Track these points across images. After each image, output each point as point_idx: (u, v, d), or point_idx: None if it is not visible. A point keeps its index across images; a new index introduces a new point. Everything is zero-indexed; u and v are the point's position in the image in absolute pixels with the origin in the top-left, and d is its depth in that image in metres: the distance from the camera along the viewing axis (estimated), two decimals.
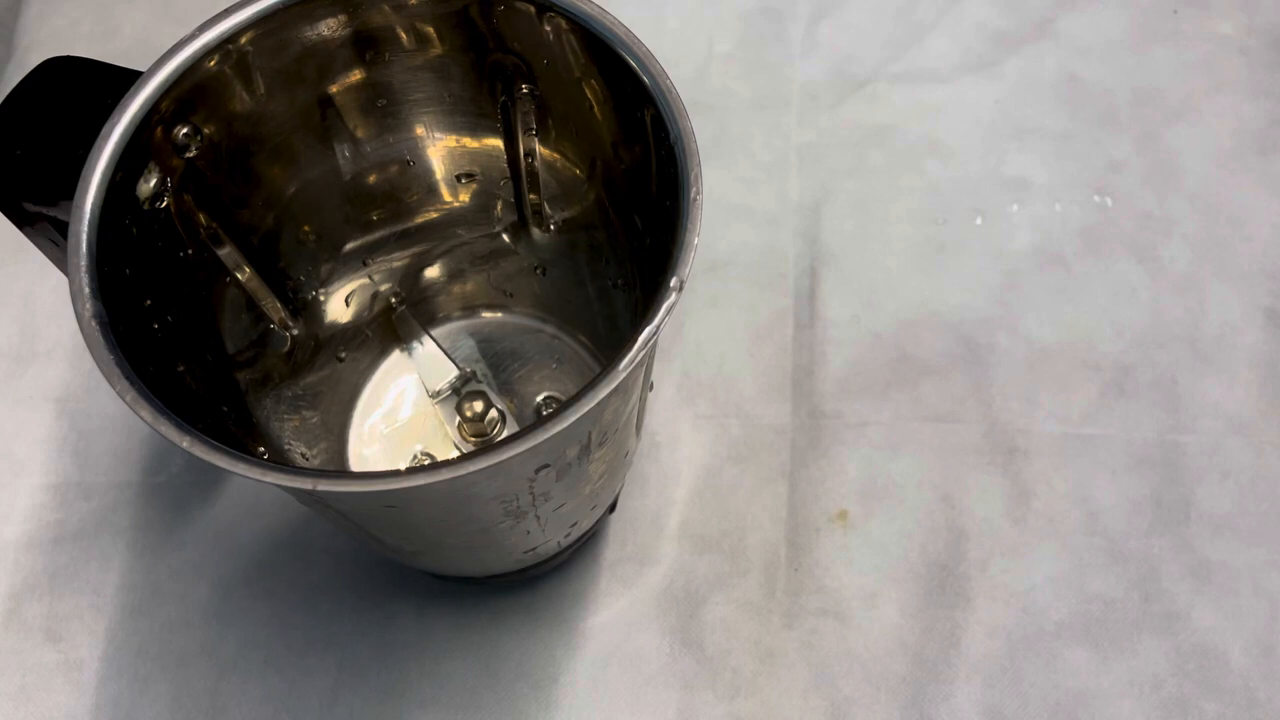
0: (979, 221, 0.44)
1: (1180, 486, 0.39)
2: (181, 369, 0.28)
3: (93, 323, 0.24)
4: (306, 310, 0.35)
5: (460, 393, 0.37)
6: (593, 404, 0.23)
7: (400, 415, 0.38)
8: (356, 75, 0.31)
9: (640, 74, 0.26)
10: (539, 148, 0.33)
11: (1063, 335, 0.41)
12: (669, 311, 0.24)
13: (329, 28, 0.29)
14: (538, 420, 0.22)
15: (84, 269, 0.24)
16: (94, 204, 0.25)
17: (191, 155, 0.28)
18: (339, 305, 0.36)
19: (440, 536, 0.30)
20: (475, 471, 0.22)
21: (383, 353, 0.39)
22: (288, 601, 0.37)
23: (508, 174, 0.34)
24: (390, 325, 0.38)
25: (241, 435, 0.31)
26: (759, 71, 0.47)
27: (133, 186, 0.26)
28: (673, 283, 0.24)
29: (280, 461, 0.31)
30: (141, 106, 0.26)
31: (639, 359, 0.23)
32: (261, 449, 0.32)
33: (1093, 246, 0.43)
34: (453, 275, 0.38)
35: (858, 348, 0.41)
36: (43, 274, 0.43)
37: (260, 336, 0.33)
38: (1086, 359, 0.41)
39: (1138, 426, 0.40)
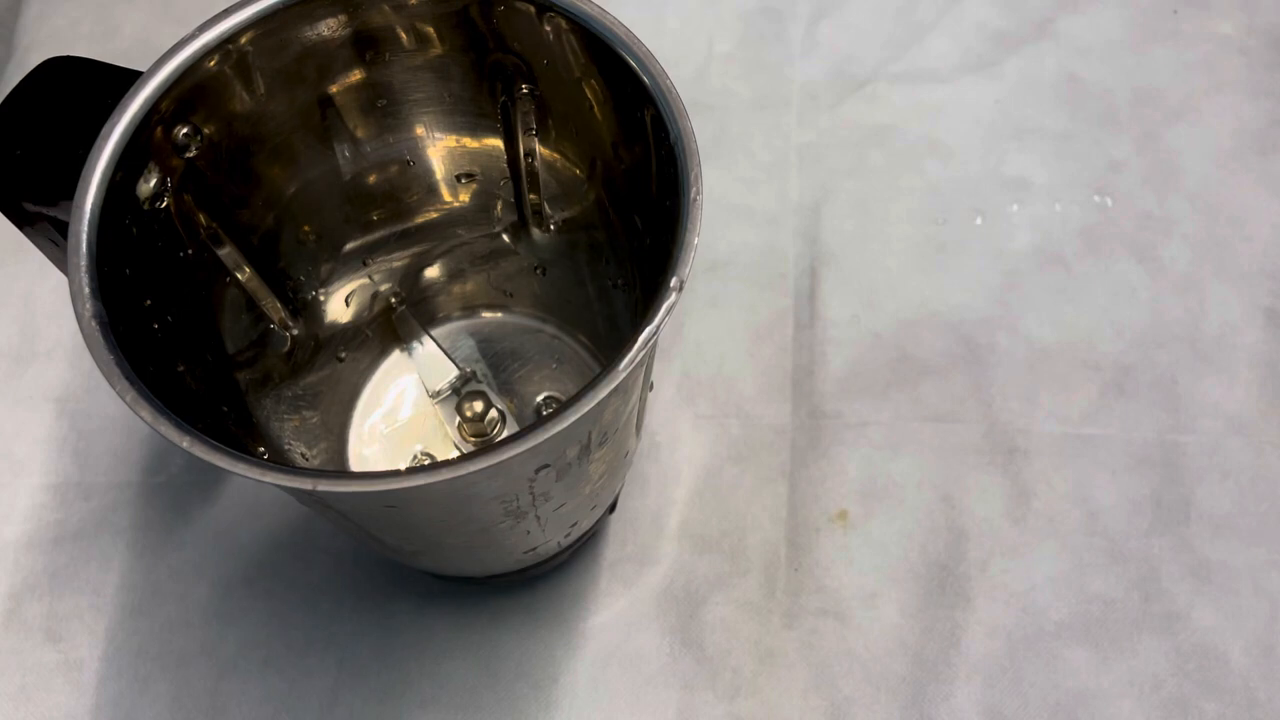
0: (979, 221, 0.44)
1: (1180, 486, 0.39)
2: (181, 369, 0.28)
3: (93, 323, 0.24)
4: (306, 310, 0.35)
5: (460, 393, 0.37)
6: (593, 404, 0.23)
7: (400, 415, 0.38)
8: (356, 75, 0.31)
9: (640, 74, 0.26)
10: (539, 148, 0.33)
11: (1063, 335, 0.41)
12: (669, 311, 0.24)
13: (329, 28, 0.29)
14: (538, 420, 0.22)
15: (84, 269, 0.24)
16: (94, 204, 0.25)
17: (191, 155, 0.28)
18: (339, 305, 0.36)
19: (440, 536, 0.30)
20: (475, 471, 0.22)
21: (383, 353, 0.39)
22: (288, 601, 0.37)
23: (508, 174, 0.34)
24: (390, 325, 0.38)
25: (241, 435, 0.31)
26: (759, 71, 0.47)
27: (133, 186, 0.26)
28: (673, 283, 0.24)
29: (280, 461, 0.31)
30: (141, 106, 0.26)
31: (639, 359, 0.23)
32: (261, 449, 0.32)
33: (1093, 246, 0.43)
34: (453, 275, 0.38)
35: (858, 348, 0.41)
36: (43, 274, 0.43)
37: (260, 336, 0.33)
38: (1086, 359, 0.41)
39: (1138, 426, 0.40)
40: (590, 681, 0.36)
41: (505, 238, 0.37)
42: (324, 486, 0.22)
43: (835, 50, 0.48)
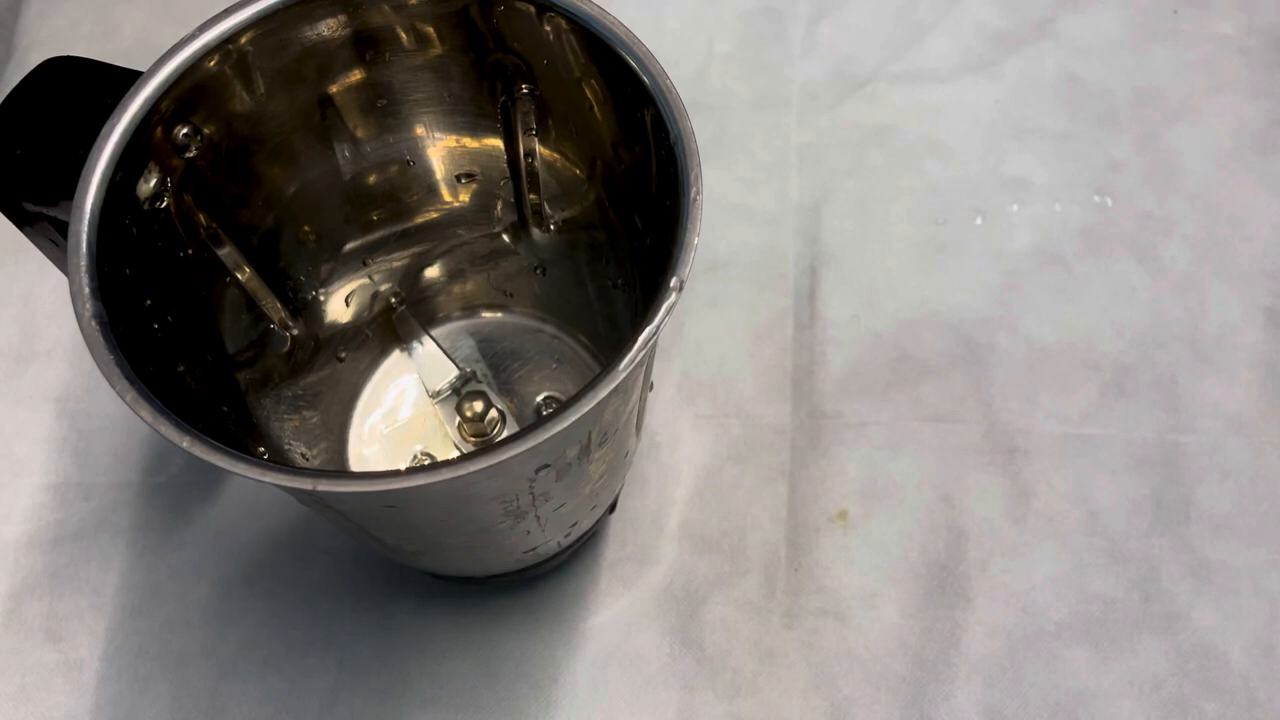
0: (979, 221, 0.44)
1: (1180, 486, 0.39)
2: (181, 369, 0.28)
3: (93, 323, 0.24)
4: (306, 310, 0.35)
5: (460, 393, 0.37)
6: (593, 404, 0.23)
7: (400, 415, 0.38)
8: (356, 75, 0.31)
9: (640, 74, 0.26)
10: (539, 148, 0.33)
11: (1063, 335, 0.41)
12: (669, 311, 0.24)
13: (329, 28, 0.29)
14: (538, 420, 0.22)
15: (84, 269, 0.24)
16: (94, 204, 0.25)
17: (191, 155, 0.28)
18: (339, 305, 0.36)
19: (440, 536, 0.30)
20: (475, 471, 0.22)
21: (383, 353, 0.39)
22: (288, 601, 0.37)
23: (508, 174, 0.34)
24: (390, 325, 0.38)
25: (241, 435, 0.31)
26: (759, 71, 0.47)
27: (133, 186, 0.26)
28: (673, 283, 0.24)
29: (280, 461, 0.31)
30: (141, 106, 0.26)
31: (639, 359, 0.23)
32: (261, 449, 0.32)
33: (1093, 246, 0.43)
34: (453, 275, 0.38)
35: (858, 348, 0.41)
36: (43, 274, 0.43)
37: (260, 336, 0.33)
38: (1086, 359, 0.41)
39: (1138, 426, 0.40)
40: (590, 681, 0.36)
41: (505, 238, 0.37)
42: (324, 486, 0.22)
43: (835, 50, 0.48)
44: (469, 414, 0.35)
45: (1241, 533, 0.38)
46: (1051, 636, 0.36)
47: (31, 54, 0.48)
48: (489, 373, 0.39)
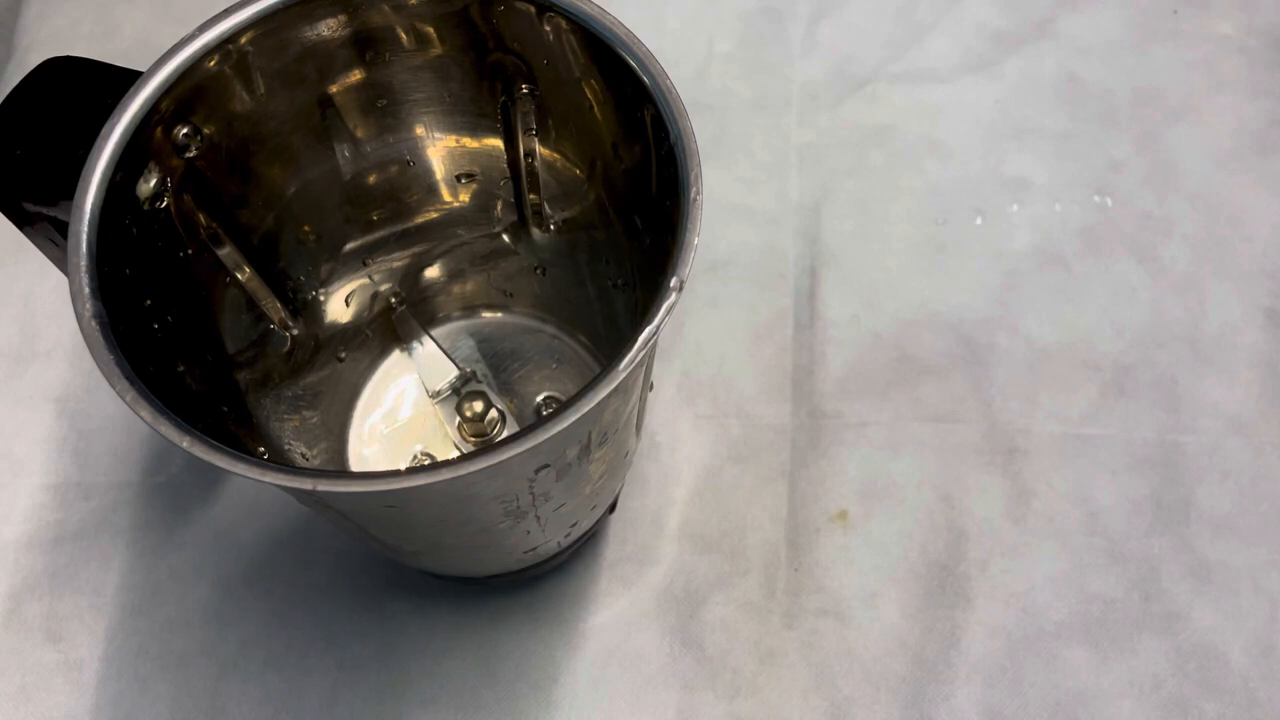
0: (979, 221, 0.44)
1: (1180, 486, 0.39)
2: (181, 369, 0.28)
3: (93, 323, 0.24)
4: (306, 310, 0.35)
5: (460, 393, 0.37)
6: (593, 404, 0.23)
7: (400, 415, 0.38)
8: (356, 75, 0.31)
9: (640, 74, 0.26)
10: (539, 148, 0.33)
11: (1063, 335, 0.41)
12: (669, 311, 0.24)
13: (329, 28, 0.29)
14: (538, 420, 0.22)
15: (84, 269, 0.24)
16: (94, 204, 0.25)
17: (191, 155, 0.28)
18: (339, 305, 0.36)
19: (440, 536, 0.30)
20: (475, 471, 0.22)
21: (383, 353, 0.39)
22: (288, 601, 0.37)
23: (508, 174, 0.34)
24: (390, 325, 0.38)
25: (241, 435, 0.31)
26: (759, 71, 0.47)
27: (133, 186, 0.26)
28: (673, 283, 0.24)
29: (280, 461, 0.31)
30: (141, 106, 0.26)
31: (639, 359, 0.23)
32: (261, 449, 0.32)
33: (1093, 246, 0.43)
34: (453, 275, 0.38)
35: (858, 348, 0.41)
36: (43, 274, 0.43)
37: (260, 336, 0.33)
38: (1086, 359, 0.41)
39: (1138, 426, 0.40)
40: (590, 681, 0.36)
41: (505, 238, 0.37)
42: (324, 486, 0.22)
43: (835, 50, 0.48)
44: (469, 414, 0.35)
45: (1241, 533, 0.38)
46: (1051, 636, 0.36)
47: (31, 54, 0.48)
48: (489, 373, 0.39)
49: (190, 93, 0.27)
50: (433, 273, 0.38)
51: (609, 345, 0.38)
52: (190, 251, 0.29)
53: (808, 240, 0.43)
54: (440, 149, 0.34)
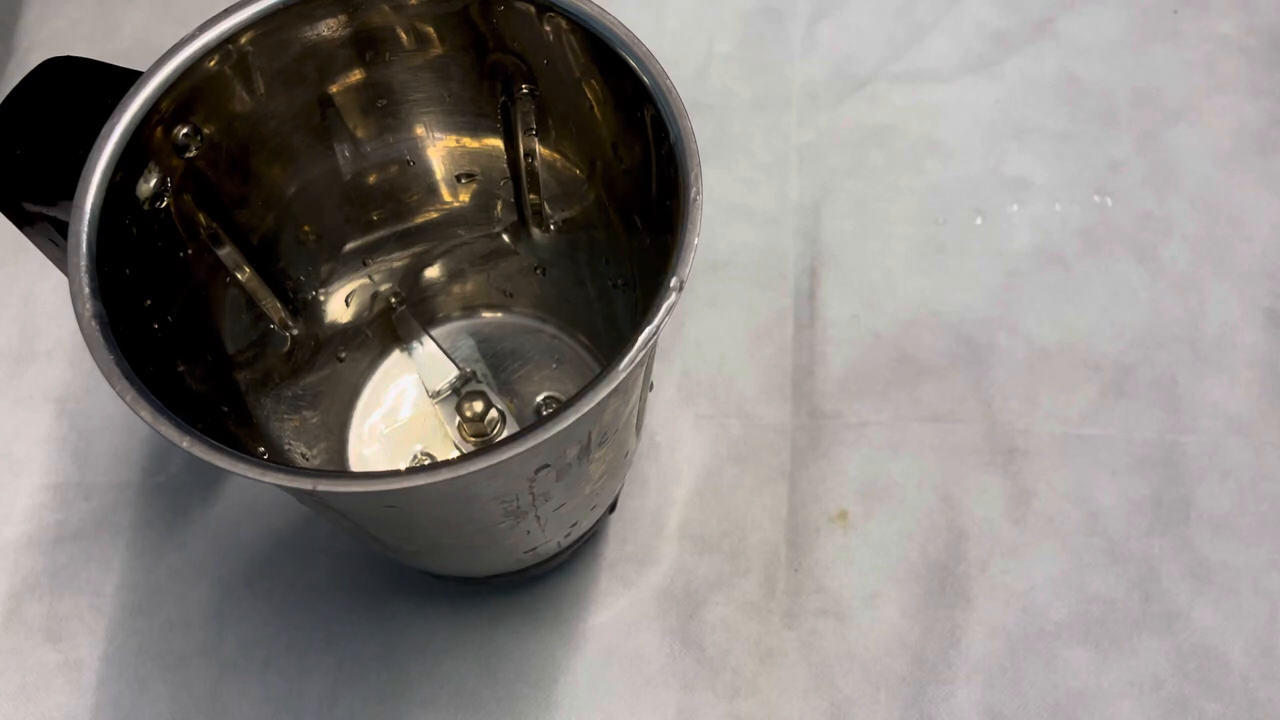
0: (979, 221, 0.44)
1: (1180, 486, 0.39)
2: (181, 369, 0.28)
3: (93, 323, 0.24)
4: (306, 310, 0.35)
5: (460, 393, 0.37)
6: (593, 404, 0.23)
7: (400, 415, 0.38)
8: (356, 75, 0.31)
9: (640, 74, 0.26)
10: (539, 148, 0.33)
11: (1063, 335, 0.41)
12: (669, 311, 0.24)
13: (329, 28, 0.29)
14: (538, 420, 0.22)
15: (84, 269, 0.24)
16: (94, 204, 0.25)
17: (191, 155, 0.28)
18: (339, 305, 0.36)
19: (440, 536, 0.30)
20: (475, 471, 0.22)
21: (383, 353, 0.39)
22: (288, 601, 0.37)
23: (508, 174, 0.34)
24: (390, 325, 0.38)
25: (241, 435, 0.31)
26: (759, 71, 0.47)
27: (133, 186, 0.26)
28: (673, 283, 0.24)
29: (280, 461, 0.31)
30: (141, 106, 0.26)
31: (639, 359, 0.23)
32: (261, 449, 0.32)
33: (1093, 246, 0.43)
34: (453, 275, 0.38)
35: (858, 348, 0.41)
36: (43, 274, 0.43)
37: (260, 336, 0.33)
38: (1086, 359, 0.41)
39: (1138, 426, 0.40)
40: (590, 681, 0.36)
41: (505, 238, 0.37)
42: (324, 486, 0.22)
43: (835, 50, 0.48)
44: (469, 414, 0.35)
45: (1241, 533, 0.38)
46: (1051, 636, 0.36)
47: (31, 54, 0.48)
48: (489, 373, 0.39)
49: (190, 93, 0.27)
50: (433, 273, 0.38)
51: (609, 345, 0.38)
52: (190, 251, 0.29)
53: (808, 240, 0.43)
54: (440, 149, 0.34)
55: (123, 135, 0.26)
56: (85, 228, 0.25)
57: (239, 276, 0.31)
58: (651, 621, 0.37)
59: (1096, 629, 0.36)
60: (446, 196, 0.35)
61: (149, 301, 0.27)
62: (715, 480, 0.39)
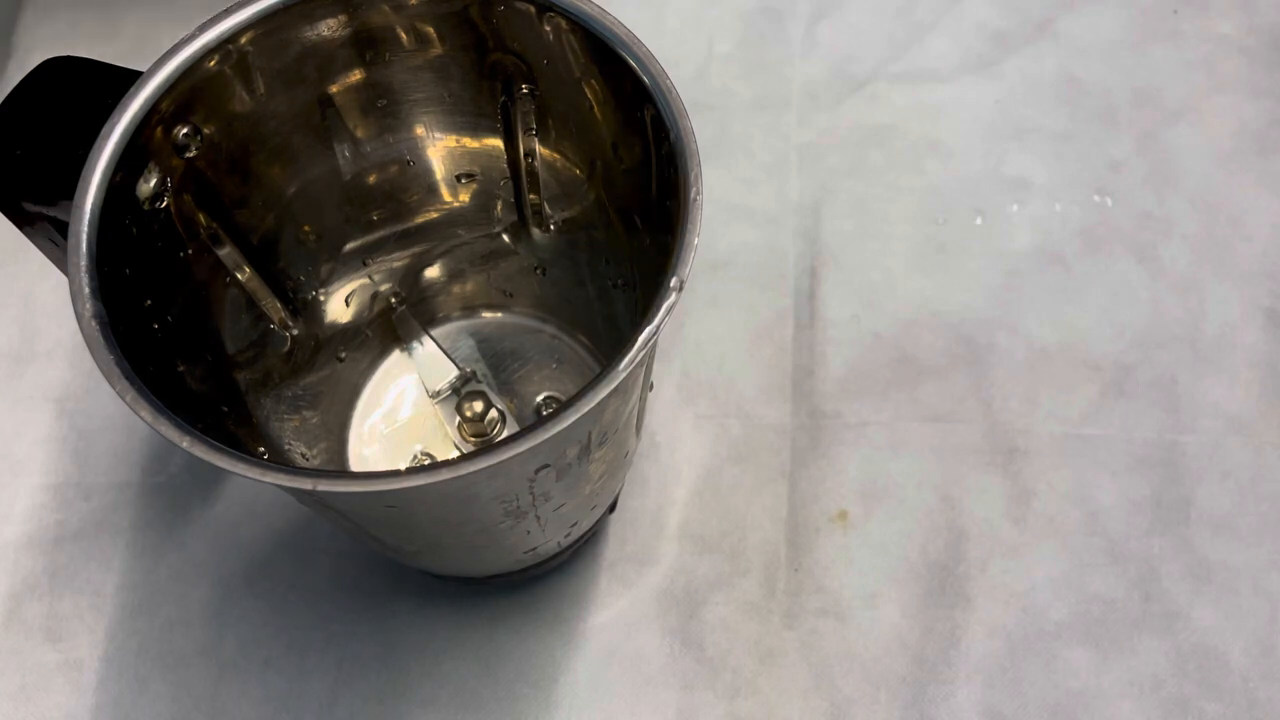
0: (979, 221, 0.44)
1: (1180, 486, 0.39)
2: (181, 369, 0.28)
3: (93, 323, 0.24)
4: (306, 310, 0.35)
5: (460, 393, 0.37)
6: (593, 404, 0.23)
7: (400, 415, 0.38)
8: (356, 75, 0.31)
9: (640, 74, 0.26)
10: (539, 148, 0.33)
11: (1063, 335, 0.41)
12: (669, 311, 0.24)
13: (329, 28, 0.29)
14: (538, 420, 0.22)
15: (84, 269, 0.24)
16: (94, 204, 0.25)
17: (191, 155, 0.28)
18: (339, 305, 0.36)
19: (440, 536, 0.30)
20: (475, 471, 0.22)
21: (383, 353, 0.39)
22: (288, 601, 0.37)
23: (508, 174, 0.34)
24: (390, 325, 0.38)
25: (241, 435, 0.31)
26: (759, 71, 0.47)
27: (133, 186, 0.26)
28: (673, 283, 0.24)
29: (280, 461, 0.31)
30: (141, 106, 0.26)
31: (639, 359, 0.23)
32: (261, 449, 0.32)
33: (1093, 246, 0.43)
34: (453, 275, 0.38)
35: (858, 348, 0.41)
36: (43, 274, 0.43)
37: (260, 336, 0.33)
38: (1086, 359, 0.41)
39: (1138, 426, 0.40)
40: (590, 681, 0.36)
41: (505, 238, 0.37)
42: (324, 486, 0.22)
43: (835, 50, 0.48)
44: (469, 414, 0.35)
45: (1241, 533, 0.38)
46: (1051, 636, 0.36)
47: (31, 54, 0.48)
48: (489, 373, 0.39)
49: (190, 93, 0.27)
50: (433, 273, 0.38)
51: (609, 345, 0.38)
52: (190, 251, 0.29)
53: (808, 240, 0.43)
54: (440, 149, 0.34)
55: (123, 135, 0.26)
56: (85, 228, 0.25)
57: (239, 276, 0.31)
58: (651, 621, 0.37)
59: (1096, 629, 0.36)
60: (446, 196, 0.35)
61: (149, 301, 0.27)
62: (715, 480, 0.39)
